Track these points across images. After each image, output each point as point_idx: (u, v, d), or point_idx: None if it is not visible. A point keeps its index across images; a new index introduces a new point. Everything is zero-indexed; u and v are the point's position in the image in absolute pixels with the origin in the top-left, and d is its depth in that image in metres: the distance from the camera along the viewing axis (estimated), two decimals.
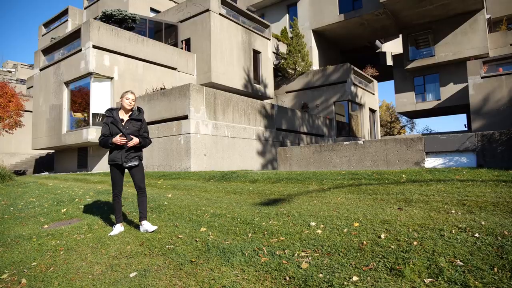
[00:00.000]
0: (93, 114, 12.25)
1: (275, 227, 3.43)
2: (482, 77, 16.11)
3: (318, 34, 22.49)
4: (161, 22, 16.28)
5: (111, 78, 12.56)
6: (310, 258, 2.57)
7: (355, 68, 18.91)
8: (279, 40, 21.49)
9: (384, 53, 28.18)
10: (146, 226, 3.92)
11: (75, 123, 13.13)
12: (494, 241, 2.43)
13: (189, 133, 10.42)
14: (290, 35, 21.12)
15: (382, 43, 28.82)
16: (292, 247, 2.83)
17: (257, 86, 18.07)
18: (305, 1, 22.32)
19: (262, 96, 18.27)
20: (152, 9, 20.44)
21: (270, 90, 18.92)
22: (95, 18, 14.93)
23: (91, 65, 11.88)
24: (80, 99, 12.87)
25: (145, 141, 4.06)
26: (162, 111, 11.37)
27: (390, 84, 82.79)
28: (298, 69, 19.88)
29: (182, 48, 16.05)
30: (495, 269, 2.04)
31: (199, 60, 15.69)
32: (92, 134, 12.03)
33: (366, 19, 20.74)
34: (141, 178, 4.04)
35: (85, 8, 22.66)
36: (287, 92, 20.36)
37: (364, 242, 2.74)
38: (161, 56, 14.36)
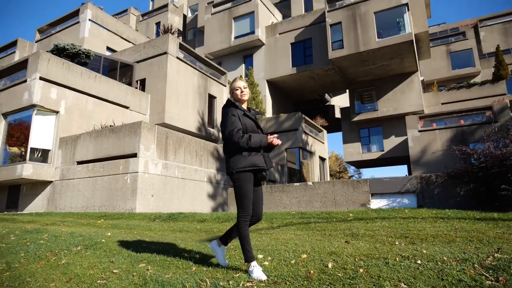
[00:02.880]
0: (31, 148, 11.41)
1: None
2: (419, 131, 17.52)
3: (272, 84, 23.51)
4: (117, 60, 16.15)
5: (57, 112, 11.95)
6: (255, 287, 2.43)
7: (306, 118, 19.76)
8: None
9: (333, 106, 29.93)
10: (222, 256, 3.10)
11: (8, 158, 12.09)
12: (435, 266, 2.47)
13: (137, 172, 9.98)
14: None
15: (331, 97, 30.70)
16: (237, 279, 2.67)
17: (211, 129, 18.12)
18: (261, 53, 23.50)
19: (216, 140, 18.28)
20: (109, 48, 20.32)
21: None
22: (46, 51, 14.47)
23: (35, 97, 11.28)
24: (18, 133, 12.00)
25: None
26: (109, 149, 10.88)
27: (338, 136, 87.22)
28: None
29: (136, 88, 15.88)
30: None
31: (154, 100, 15.55)
32: (28, 170, 11.10)
33: (317, 73, 22.15)
34: (262, 204, 3.04)
35: (36, 42, 21.99)
36: None
37: (312, 271, 2.66)
38: (114, 94, 14.05)
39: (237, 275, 2.73)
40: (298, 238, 4.13)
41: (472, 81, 24.58)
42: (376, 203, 6.72)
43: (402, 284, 2.18)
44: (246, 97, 2.98)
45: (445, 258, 2.62)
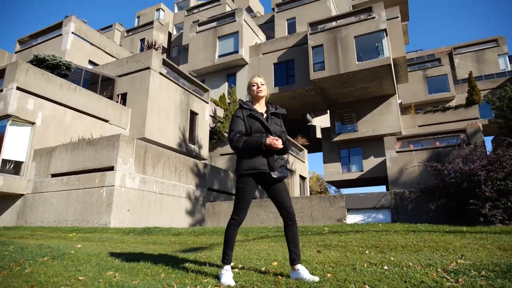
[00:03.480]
0: (3, 160, 11.05)
1: (192, 268, 3.20)
2: (397, 152, 17.92)
3: None
4: (99, 74, 16.05)
5: (33, 123, 11.69)
6: None
7: (287, 136, 19.94)
8: (217, 105, 22.20)
9: (314, 126, 30.38)
10: (305, 273, 2.52)
11: None
12: (400, 270, 2.52)
13: (113, 186, 9.78)
14: (228, 101, 22.00)
15: (313, 117, 31.19)
16: (205, 283, 2.63)
17: (192, 146, 18.03)
18: (244, 72, 23.82)
19: (196, 157, 18.17)
20: (91, 62, 20.18)
21: (204, 151, 18.95)
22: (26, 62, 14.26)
23: (10, 107, 11.02)
24: None
25: (288, 146, 2.89)
26: (86, 161, 10.66)
27: (319, 156, 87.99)
28: None
29: (117, 102, 15.75)
30: None
31: (134, 115, 15.43)
32: None
33: (299, 93, 22.54)
34: (289, 197, 2.79)
35: (16, 52, 21.64)
36: (221, 155, 20.52)
37: (280, 277, 2.66)
38: (94, 107, 13.88)
39: (206, 280, 2.70)
40: (272, 249, 4.11)
41: (447, 105, 25.52)
42: (352, 218, 6.78)
43: (367, 286, 2.20)
44: (262, 94, 2.91)
45: (411, 264, 2.67)
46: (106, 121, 14.45)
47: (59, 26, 19.80)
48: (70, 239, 6.84)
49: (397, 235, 4.52)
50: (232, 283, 2.55)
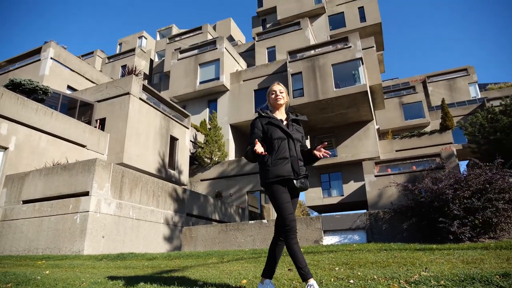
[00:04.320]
0: None
1: (160, 287, 3.14)
2: (375, 176, 18.22)
3: (236, 128, 23.92)
4: (77, 99, 15.93)
5: (6, 148, 11.40)
6: None
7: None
8: (197, 130, 22.25)
9: None
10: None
11: None
12: (365, 283, 2.55)
13: (88, 211, 9.52)
14: (208, 126, 22.09)
15: None
16: None
17: (172, 171, 17.86)
18: (225, 98, 24.10)
19: (176, 182, 17.96)
20: (70, 87, 20.04)
21: (184, 177, 18.78)
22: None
23: None
24: None
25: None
26: (60, 187, 10.39)
27: None
28: (214, 158, 20.38)
29: (96, 127, 15.59)
30: None
31: (113, 140, 15.27)
32: None
33: None
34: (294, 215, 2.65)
35: None
36: (202, 180, 20.38)
37: None
38: (71, 132, 13.68)
39: None
40: (244, 269, 4.08)
41: (422, 130, 26.34)
42: (329, 240, 6.80)
43: None
44: (281, 102, 2.83)
45: (375, 277, 2.71)
46: (84, 146, 14.23)
47: (37, 51, 19.74)
48: (39, 266, 6.56)
49: (369, 253, 4.57)
50: None
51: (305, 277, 2.37)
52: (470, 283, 2.25)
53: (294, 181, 2.54)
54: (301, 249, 5.76)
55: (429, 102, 33.27)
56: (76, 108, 15.65)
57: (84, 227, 9.39)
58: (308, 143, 27.21)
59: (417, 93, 30.60)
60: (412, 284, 2.38)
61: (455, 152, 18.32)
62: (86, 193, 9.79)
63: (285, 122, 2.78)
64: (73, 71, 20.75)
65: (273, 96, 2.85)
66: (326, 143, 2.73)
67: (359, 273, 3.02)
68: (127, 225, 10.66)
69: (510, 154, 11.72)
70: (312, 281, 2.34)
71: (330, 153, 2.49)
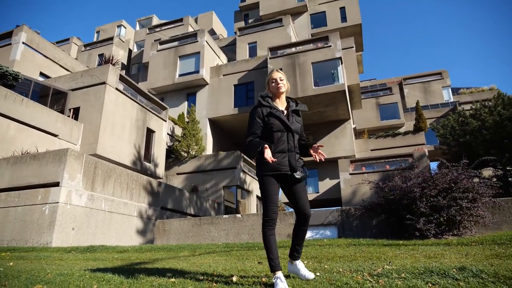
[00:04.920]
0: None
1: (127, 280, 3.11)
2: (350, 174, 18.59)
3: (214, 122, 23.80)
4: (50, 87, 15.40)
5: None
6: None
7: (245, 156, 20.07)
8: (175, 123, 21.98)
9: None
10: (302, 269, 2.56)
11: None
12: (330, 275, 2.61)
13: (58, 203, 9.26)
14: (186, 120, 21.87)
15: None
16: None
17: (147, 164, 17.59)
18: (204, 92, 23.91)
19: (152, 175, 17.71)
20: (43, 74, 19.34)
21: (160, 170, 18.53)
22: None
23: None
24: None
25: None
26: (29, 177, 10.04)
27: None
28: (191, 152, 20.21)
29: (69, 116, 15.14)
30: None
31: (87, 130, 14.87)
32: None
33: None
34: (306, 197, 2.72)
35: None
36: (178, 174, 20.18)
37: (215, 284, 2.66)
38: (42, 121, 13.22)
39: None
40: (215, 262, 4.09)
41: (397, 131, 27.05)
42: None
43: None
44: (282, 90, 2.77)
45: (341, 270, 2.78)
46: (56, 135, 13.79)
47: (8, 35, 18.92)
48: (2, 258, 6.35)
49: (338, 248, 4.68)
50: None
51: (274, 268, 2.44)
52: (428, 275, 2.35)
53: (295, 174, 2.61)
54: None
55: (405, 103, 34.17)
56: (49, 96, 15.14)
57: (53, 218, 9.13)
58: None
59: (393, 94, 31.35)
60: (375, 277, 2.46)
61: (427, 153, 18.90)
62: (57, 184, 9.52)
63: (285, 112, 2.76)
64: (46, 57, 20.03)
65: (273, 84, 2.79)
66: (323, 145, 2.74)
67: (326, 266, 3.09)
68: (98, 218, 10.45)
69: (478, 156, 12.24)
70: (279, 274, 2.40)
71: (326, 156, 2.54)
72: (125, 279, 3.10)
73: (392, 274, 2.48)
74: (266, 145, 2.49)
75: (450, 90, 35.36)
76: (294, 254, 2.63)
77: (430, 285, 2.09)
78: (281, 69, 19.76)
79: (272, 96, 2.82)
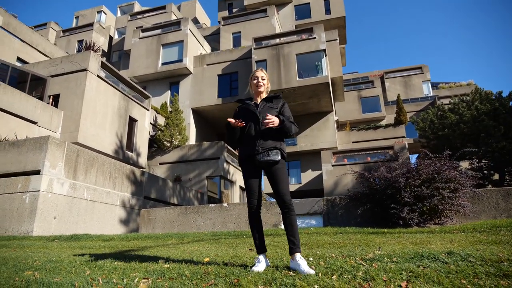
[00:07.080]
0: None
1: (120, 265, 3.10)
2: (332, 165, 18.86)
3: (197, 112, 23.60)
4: (28, 72, 14.87)
5: None
6: (150, 282, 2.38)
7: (229, 147, 20.05)
8: (158, 113, 21.68)
9: None
10: (302, 265, 2.41)
11: None
12: (324, 260, 2.69)
13: (39, 191, 9.04)
14: (169, 109, 21.60)
15: None
16: (132, 277, 2.58)
17: (130, 153, 17.33)
18: (187, 81, 23.63)
19: (134, 165, 17.47)
20: (20, 59, 18.62)
21: (143, 160, 18.30)
22: None
23: None
24: None
25: (289, 125, 2.79)
26: (8, 164, 9.74)
27: None
28: (174, 142, 20.02)
29: (48, 103, 14.70)
30: (320, 274, 2.24)
31: (67, 118, 14.49)
32: None
33: None
34: (286, 186, 2.69)
35: None
36: (161, 164, 19.99)
37: (210, 269, 2.69)
38: (20, 107, 12.79)
39: (134, 274, 2.64)
40: (205, 249, 4.12)
41: (378, 124, 27.56)
42: None
43: (291, 272, 2.34)
44: (261, 89, 2.92)
45: (333, 255, 2.87)
46: (35, 123, 13.39)
47: None
48: None
49: (326, 236, 4.78)
50: (260, 269, 2.48)
51: (257, 251, 2.70)
52: (419, 259, 2.45)
53: (257, 156, 2.66)
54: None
55: (386, 97, 34.78)
56: (27, 82, 14.64)
57: (34, 207, 8.92)
58: None
59: (375, 87, 31.83)
60: (368, 261, 2.54)
61: (407, 146, 19.36)
62: (37, 172, 9.28)
63: (259, 103, 2.90)
64: (24, 42, 19.30)
65: (254, 81, 2.93)
66: (270, 117, 2.68)
67: (318, 252, 3.17)
68: (81, 207, 10.27)
69: (456, 149, 12.68)
70: (261, 256, 2.63)
71: (274, 122, 2.58)
72: (117, 265, 3.09)
73: (384, 258, 2.57)
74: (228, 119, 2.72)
75: (429, 84, 36.18)
76: (290, 246, 2.58)
77: (422, 268, 2.18)
78: (265, 60, 19.70)
79: (252, 94, 3.00)
